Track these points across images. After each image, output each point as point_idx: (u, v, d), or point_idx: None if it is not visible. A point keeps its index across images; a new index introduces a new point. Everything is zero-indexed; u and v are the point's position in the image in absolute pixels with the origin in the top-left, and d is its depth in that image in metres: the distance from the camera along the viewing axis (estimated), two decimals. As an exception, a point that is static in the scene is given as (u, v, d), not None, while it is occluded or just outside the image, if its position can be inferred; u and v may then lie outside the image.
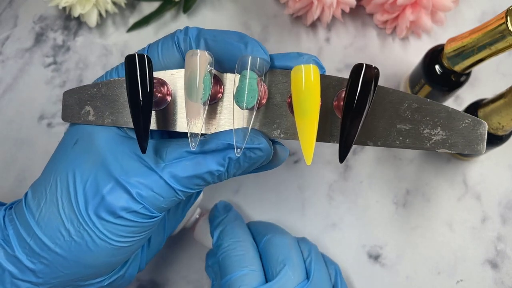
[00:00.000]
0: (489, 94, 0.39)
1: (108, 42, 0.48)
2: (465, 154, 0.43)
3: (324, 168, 0.45)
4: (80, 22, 0.48)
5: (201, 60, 0.25)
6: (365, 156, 0.45)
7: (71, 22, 0.48)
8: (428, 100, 0.26)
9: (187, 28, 0.28)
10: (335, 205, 0.44)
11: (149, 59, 0.26)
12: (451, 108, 0.26)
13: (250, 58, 0.25)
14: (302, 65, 0.25)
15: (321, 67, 0.28)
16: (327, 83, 0.27)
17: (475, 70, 0.41)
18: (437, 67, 0.40)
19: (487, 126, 0.26)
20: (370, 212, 0.44)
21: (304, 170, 0.45)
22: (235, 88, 0.26)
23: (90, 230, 0.28)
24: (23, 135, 0.45)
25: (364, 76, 0.24)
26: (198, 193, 0.38)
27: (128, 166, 0.27)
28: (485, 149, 0.26)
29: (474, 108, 0.40)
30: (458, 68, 0.38)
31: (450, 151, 0.26)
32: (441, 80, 0.40)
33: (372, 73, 0.24)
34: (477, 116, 0.39)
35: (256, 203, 0.44)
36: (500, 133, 0.39)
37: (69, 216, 0.28)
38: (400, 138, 0.26)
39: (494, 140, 0.39)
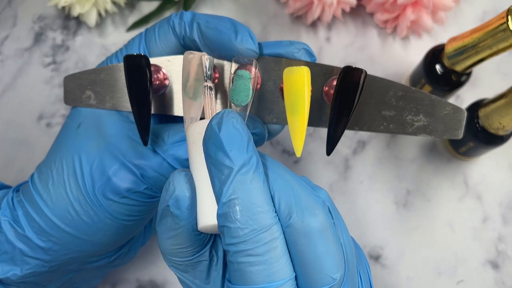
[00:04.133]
0: (489, 94, 0.39)
1: (108, 41, 0.47)
2: (464, 153, 0.43)
3: (324, 168, 0.45)
4: (79, 21, 0.48)
5: (196, 61, 0.26)
6: (365, 156, 0.45)
7: (70, 21, 0.48)
8: (413, 88, 0.27)
9: (182, 12, 0.29)
10: (336, 205, 0.44)
11: (147, 59, 0.26)
12: (434, 96, 0.27)
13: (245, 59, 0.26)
14: (294, 67, 0.25)
15: (311, 55, 0.29)
16: (318, 71, 0.28)
17: (475, 70, 0.41)
18: (437, 66, 0.40)
19: (466, 113, 0.27)
20: (370, 212, 0.44)
21: (304, 170, 0.44)
22: (230, 87, 0.26)
23: (97, 210, 0.29)
24: (22, 135, 0.44)
25: (352, 79, 0.25)
26: None
27: (132, 149, 0.29)
28: (463, 134, 0.27)
29: (475, 108, 0.40)
30: (458, 67, 0.38)
31: (430, 136, 0.28)
32: (441, 79, 0.40)
33: (360, 76, 0.25)
34: (478, 116, 0.39)
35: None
36: (501, 133, 0.38)
37: (77, 197, 0.29)
38: (385, 123, 0.28)
39: (495, 140, 0.39)
